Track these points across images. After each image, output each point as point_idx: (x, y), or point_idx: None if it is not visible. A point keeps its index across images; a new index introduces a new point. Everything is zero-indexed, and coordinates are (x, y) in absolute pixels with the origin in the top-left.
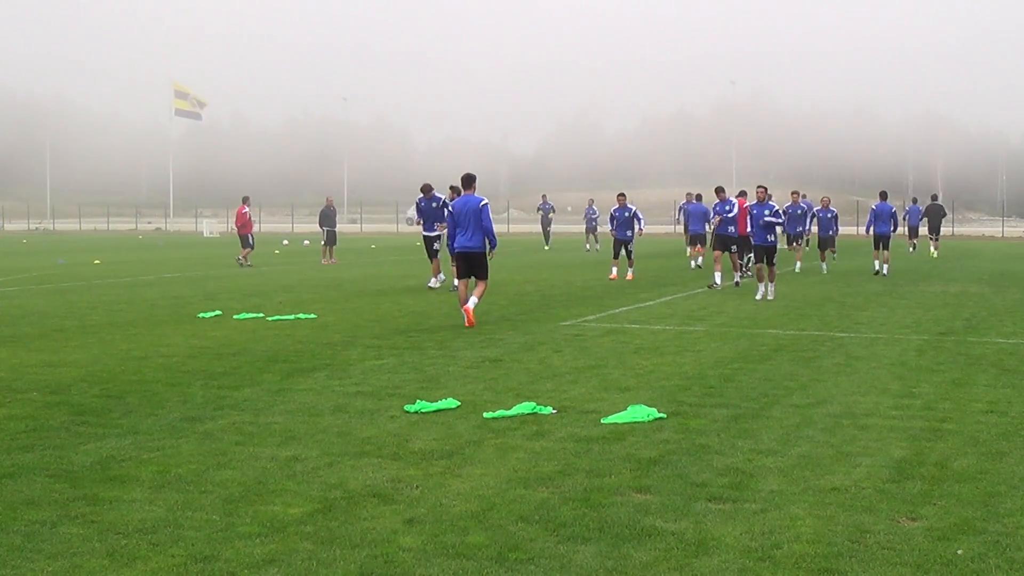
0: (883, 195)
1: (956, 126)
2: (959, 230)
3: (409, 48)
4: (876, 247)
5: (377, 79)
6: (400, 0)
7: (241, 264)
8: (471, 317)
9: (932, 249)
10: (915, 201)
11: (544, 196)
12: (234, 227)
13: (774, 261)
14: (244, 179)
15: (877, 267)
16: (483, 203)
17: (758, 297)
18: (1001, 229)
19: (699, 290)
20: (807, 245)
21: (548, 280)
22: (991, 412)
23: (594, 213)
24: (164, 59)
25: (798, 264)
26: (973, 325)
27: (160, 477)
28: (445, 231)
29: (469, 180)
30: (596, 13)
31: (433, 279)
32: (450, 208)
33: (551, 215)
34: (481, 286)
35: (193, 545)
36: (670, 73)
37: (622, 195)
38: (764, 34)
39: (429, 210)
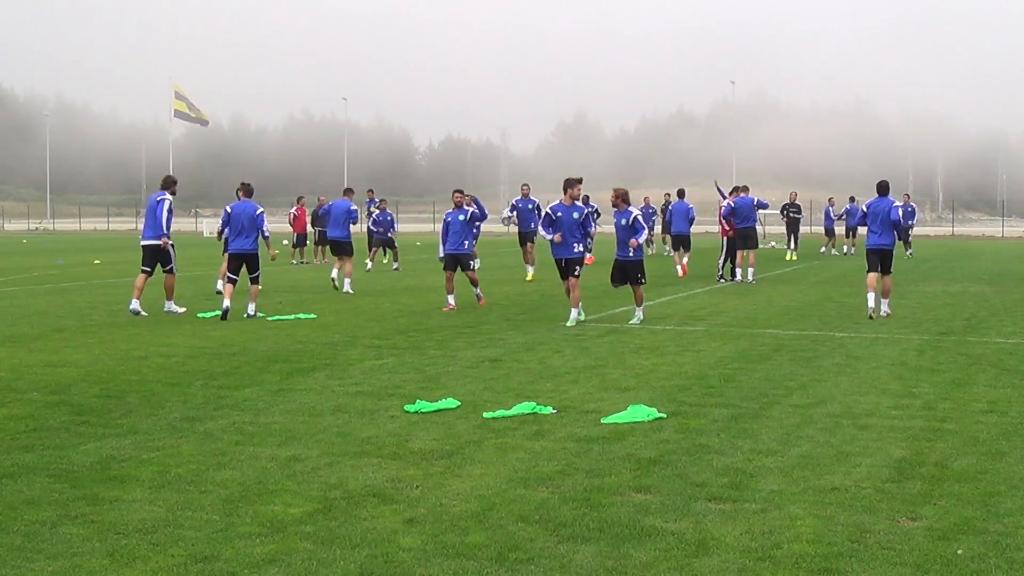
0: (851, 199)
1: (956, 126)
2: (959, 230)
3: (409, 48)
4: (846, 235)
5: (377, 79)
6: (400, 1)
7: (304, 263)
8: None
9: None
10: (852, 200)
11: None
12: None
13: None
14: (244, 179)
15: (851, 251)
16: (690, 207)
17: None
18: (1001, 229)
19: (699, 290)
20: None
21: (548, 280)
22: (991, 412)
23: (383, 216)
24: (164, 59)
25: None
26: (973, 325)
27: (160, 477)
28: None
29: (683, 192)
30: (596, 13)
31: None
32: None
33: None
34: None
35: (193, 545)
36: (670, 73)
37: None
38: (764, 34)
39: None
